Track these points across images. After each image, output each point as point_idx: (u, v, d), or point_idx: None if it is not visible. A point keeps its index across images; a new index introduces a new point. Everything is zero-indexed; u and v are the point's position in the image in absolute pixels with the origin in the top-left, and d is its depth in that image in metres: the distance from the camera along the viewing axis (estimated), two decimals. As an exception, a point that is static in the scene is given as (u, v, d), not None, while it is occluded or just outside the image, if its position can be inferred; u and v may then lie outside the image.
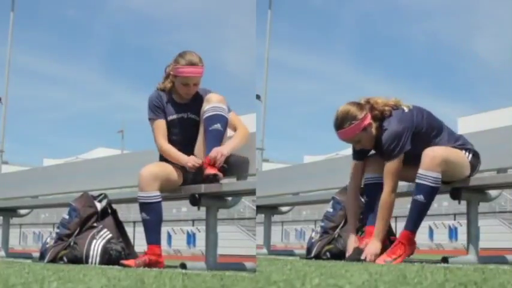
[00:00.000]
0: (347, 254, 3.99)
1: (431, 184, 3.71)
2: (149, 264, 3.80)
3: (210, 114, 3.91)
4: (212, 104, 3.93)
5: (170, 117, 4.07)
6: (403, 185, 4.08)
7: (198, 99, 4.06)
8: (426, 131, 3.84)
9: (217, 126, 3.89)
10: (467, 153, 3.88)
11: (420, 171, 3.73)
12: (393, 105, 3.86)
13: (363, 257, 3.81)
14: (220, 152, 3.84)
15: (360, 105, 3.87)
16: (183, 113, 4.08)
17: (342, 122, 3.84)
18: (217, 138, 3.89)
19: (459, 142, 3.90)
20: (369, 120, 3.83)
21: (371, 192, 4.00)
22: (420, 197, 3.72)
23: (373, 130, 3.85)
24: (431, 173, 3.70)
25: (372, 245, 3.82)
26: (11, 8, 16.21)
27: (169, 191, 4.04)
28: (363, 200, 4.20)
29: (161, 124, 4.06)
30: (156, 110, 4.08)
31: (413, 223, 3.78)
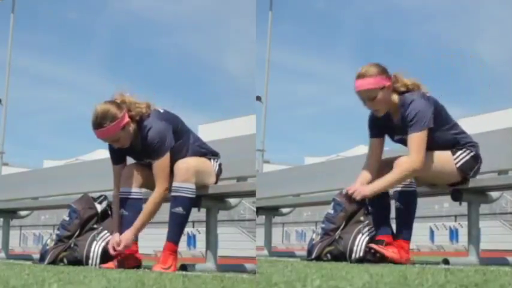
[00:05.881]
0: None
1: (403, 189, 3.77)
2: (127, 262, 3.83)
3: (173, 194, 3.76)
4: (176, 182, 3.76)
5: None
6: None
7: (145, 142, 3.85)
8: (442, 119, 3.82)
9: (179, 210, 3.74)
10: (466, 153, 3.87)
11: None
12: (414, 84, 3.83)
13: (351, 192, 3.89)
14: (118, 242, 3.81)
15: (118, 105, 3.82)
16: (142, 161, 3.97)
17: None
18: (177, 223, 3.77)
19: (466, 140, 3.90)
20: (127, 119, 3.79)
21: (377, 203, 3.95)
22: (397, 204, 3.77)
23: (390, 97, 3.79)
24: None
25: (366, 187, 3.84)
26: (11, 9, 16.22)
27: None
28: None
29: (116, 169, 4.05)
30: (111, 155, 4.08)
31: (402, 231, 3.82)
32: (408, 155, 3.73)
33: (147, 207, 3.82)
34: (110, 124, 3.77)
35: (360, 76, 3.78)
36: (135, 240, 3.92)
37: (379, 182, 3.79)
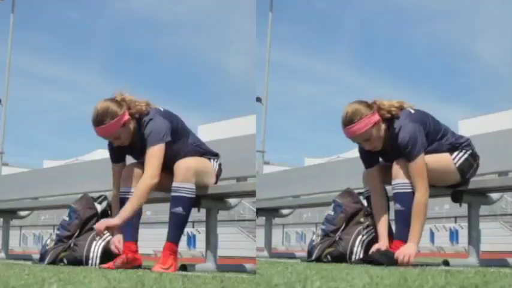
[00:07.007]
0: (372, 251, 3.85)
1: (402, 191, 3.73)
2: (127, 263, 3.81)
3: (173, 194, 3.75)
4: (175, 182, 3.74)
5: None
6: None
7: (143, 137, 3.83)
8: (433, 132, 3.81)
9: (179, 210, 3.72)
10: (463, 152, 3.86)
11: (392, 181, 3.78)
12: (398, 106, 3.79)
13: (397, 257, 3.61)
14: (106, 223, 3.77)
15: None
16: (141, 160, 3.92)
17: None
18: (177, 223, 3.75)
19: (460, 141, 3.88)
20: (127, 116, 3.77)
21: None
22: (397, 206, 3.75)
23: (382, 131, 3.77)
24: (400, 180, 3.73)
25: (409, 247, 3.66)
26: (11, 9, 16.24)
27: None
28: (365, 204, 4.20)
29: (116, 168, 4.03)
30: (111, 154, 4.06)
31: (402, 233, 3.76)
32: (415, 189, 3.68)
33: (134, 195, 3.76)
34: (110, 121, 3.76)
35: (349, 121, 3.71)
36: (135, 240, 3.91)
37: (415, 232, 3.67)
